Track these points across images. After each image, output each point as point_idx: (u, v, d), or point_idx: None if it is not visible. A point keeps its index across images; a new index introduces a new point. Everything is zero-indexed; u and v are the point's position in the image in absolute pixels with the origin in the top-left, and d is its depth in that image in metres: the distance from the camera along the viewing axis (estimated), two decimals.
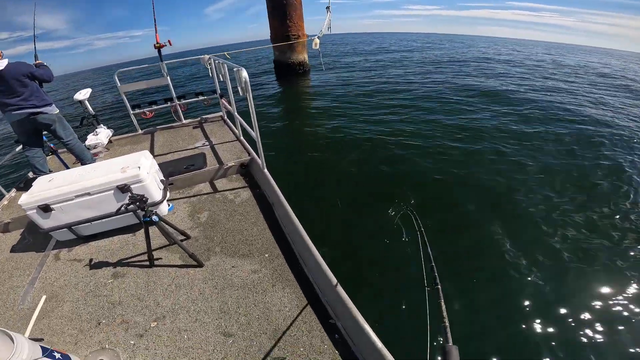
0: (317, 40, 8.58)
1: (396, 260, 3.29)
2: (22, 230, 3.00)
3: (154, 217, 1.98)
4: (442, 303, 1.18)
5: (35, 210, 2.37)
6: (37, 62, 3.75)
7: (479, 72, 14.79)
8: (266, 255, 2.25)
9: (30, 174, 3.95)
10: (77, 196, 2.39)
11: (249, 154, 3.45)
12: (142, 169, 2.44)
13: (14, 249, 2.75)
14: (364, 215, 4.03)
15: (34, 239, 2.82)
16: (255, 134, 2.75)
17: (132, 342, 1.76)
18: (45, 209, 2.37)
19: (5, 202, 3.42)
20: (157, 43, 4.48)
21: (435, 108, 8.56)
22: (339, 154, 5.80)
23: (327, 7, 11.40)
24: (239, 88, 2.53)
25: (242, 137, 3.90)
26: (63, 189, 2.40)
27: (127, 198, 2.03)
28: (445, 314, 1.13)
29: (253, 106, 2.55)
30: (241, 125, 3.66)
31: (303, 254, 2.15)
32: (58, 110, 3.51)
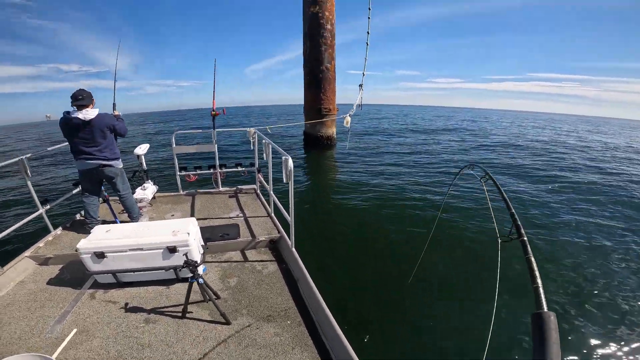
0: (349, 119, 9.39)
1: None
2: (61, 266, 3.31)
3: (200, 280, 2.32)
4: (532, 259, 0.99)
5: (89, 255, 2.75)
6: (116, 113, 4.13)
7: (531, 159, 14.27)
8: (288, 322, 2.50)
9: (78, 216, 4.38)
10: (130, 249, 2.78)
11: (279, 231, 3.80)
12: (190, 235, 2.84)
13: (50, 282, 3.04)
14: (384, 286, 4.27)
15: (72, 275, 3.12)
16: (290, 218, 3.14)
17: None
18: (100, 255, 2.74)
19: (50, 238, 3.79)
20: (214, 110, 5.10)
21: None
22: (366, 239, 5.99)
23: (360, 85, 12.42)
24: (284, 174, 2.92)
25: (273, 214, 4.27)
26: (120, 241, 2.80)
27: (183, 262, 2.41)
28: (537, 272, 0.96)
29: (293, 193, 2.98)
30: (274, 203, 4.05)
31: (324, 327, 2.38)
32: (122, 165, 3.94)
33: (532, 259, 0.97)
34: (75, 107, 3.43)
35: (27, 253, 3.40)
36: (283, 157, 2.90)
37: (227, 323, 2.44)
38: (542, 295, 0.92)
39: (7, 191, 9.74)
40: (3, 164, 3.60)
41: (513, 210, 1.18)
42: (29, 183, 3.78)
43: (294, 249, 3.27)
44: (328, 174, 11.31)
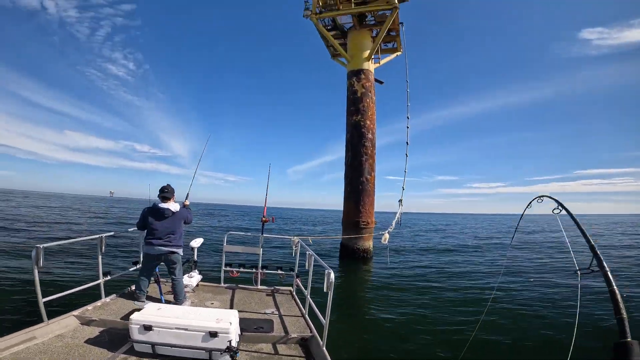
0: (387, 236, 9.60)
1: None
2: (102, 329, 3.70)
3: None
4: (616, 290, 0.98)
5: (138, 326, 3.18)
6: (186, 203, 4.93)
7: None
8: None
9: (128, 289, 4.97)
10: (176, 328, 3.19)
11: (311, 330, 4.05)
12: (232, 325, 3.23)
13: (87, 341, 3.40)
14: None
15: (110, 339, 3.47)
16: (325, 321, 3.45)
17: None
18: (147, 328, 3.18)
19: (98, 303, 4.32)
20: (264, 216, 5.98)
21: None
22: (405, 334, 6.04)
23: (400, 200, 12.75)
24: (325, 285, 3.33)
25: (307, 315, 4.56)
26: (168, 319, 3.25)
27: (225, 347, 2.79)
28: (621, 304, 0.95)
29: (331, 302, 3.35)
30: (310, 305, 4.38)
31: None
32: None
33: (616, 291, 0.96)
34: (159, 199, 4.34)
35: (75, 312, 3.90)
36: (326, 271, 3.37)
37: None
38: (627, 325, 0.92)
39: (79, 259, 11.21)
40: (85, 238, 4.52)
41: (593, 243, 1.15)
42: (99, 257, 4.52)
43: (324, 348, 3.47)
44: (363, 286, 11.28)
